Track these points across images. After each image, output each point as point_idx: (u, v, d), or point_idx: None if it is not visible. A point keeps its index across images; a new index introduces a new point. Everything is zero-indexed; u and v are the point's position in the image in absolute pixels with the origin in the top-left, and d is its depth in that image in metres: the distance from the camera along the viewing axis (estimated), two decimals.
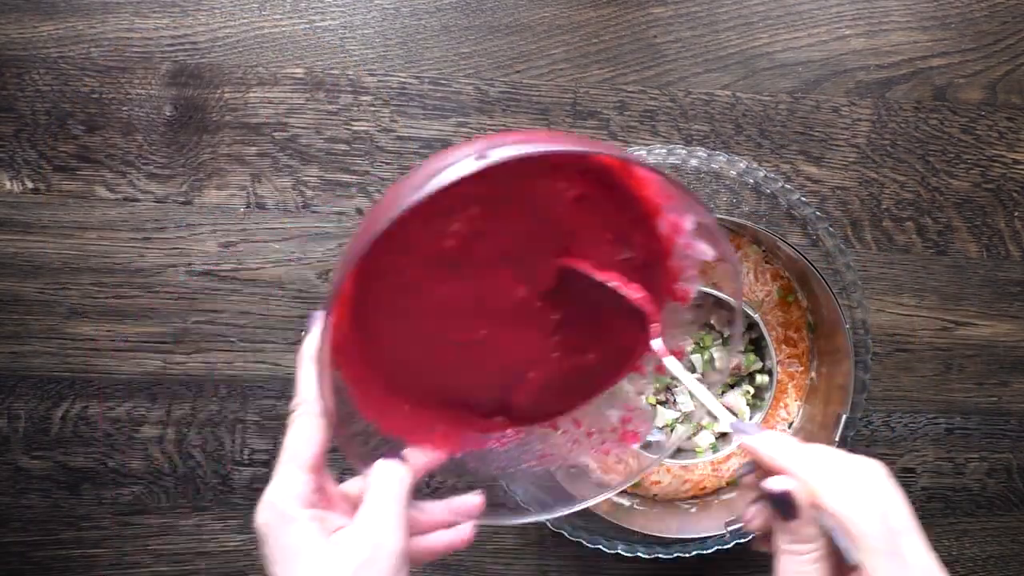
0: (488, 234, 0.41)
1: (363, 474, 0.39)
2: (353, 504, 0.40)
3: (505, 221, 0.41)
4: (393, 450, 0.39)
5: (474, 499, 0.42)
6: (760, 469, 0.39)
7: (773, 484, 0.37)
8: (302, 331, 0.64)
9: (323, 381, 0.37)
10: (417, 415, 0.43)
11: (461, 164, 0.34)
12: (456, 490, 0.42)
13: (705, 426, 0.63)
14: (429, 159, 0.37)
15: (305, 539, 0.35)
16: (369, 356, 0.42)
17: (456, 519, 0.42)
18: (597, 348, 0.45)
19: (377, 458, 0.39)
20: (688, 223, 0.42)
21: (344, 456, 0.39)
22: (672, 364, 0.42)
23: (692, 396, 0.43)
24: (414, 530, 0.39)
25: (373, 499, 0.37)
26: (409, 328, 0.42)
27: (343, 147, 0.65)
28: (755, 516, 0.39)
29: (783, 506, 0.36)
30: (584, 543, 0.59)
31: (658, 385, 0.63)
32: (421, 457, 0.41)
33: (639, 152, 0.62)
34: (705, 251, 0.42)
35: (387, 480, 0.38)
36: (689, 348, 0.63)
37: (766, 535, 0.39)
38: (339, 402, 0.38)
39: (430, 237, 0.40)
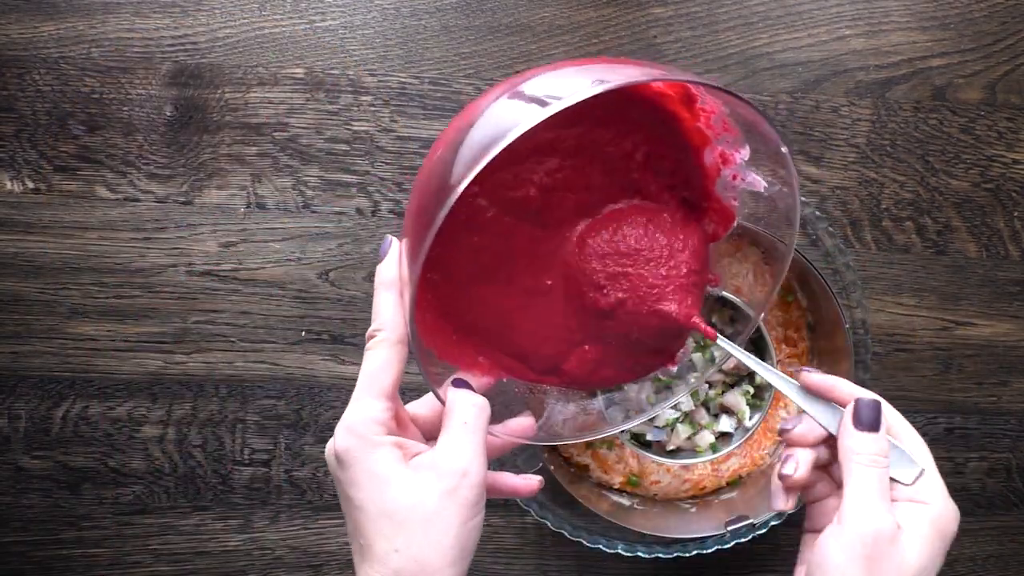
0: (567, 187, 0.42)
1: (436, 396, 0.40)
2: (421, 428, 0.42)
3: (580, 173, 0.42)
4: (458, 378, 0.40)
5: (526, 420, 0.43)
6: (806, 423, 0.42)
7: (865, 394, 0.40)
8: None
9: (404, 307, 0.37)
10: (468, 346, 0.44)
11: (575, 88, 0.33)
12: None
13: (705, 426, 0.64)
14: (494, 93, 0.37)
15: (391, 465, 0.36)
16: (427, 286, 0.42)
17: (512, 440, 0.43)
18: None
19: (441, 382, 0.40)
20: (742, 155, 0.42)
21: (424, 380, 0.40)
22: (727, 345, 0.44)
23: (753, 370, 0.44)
24: None
25: (455, 428, 0.38)
26: (477, 266, 0.42)
27: (343, 147, 0.65)
28: (803, 463, 0.41)
29: (870, 417, 0.39)
30: (584, 543, 0.59)
31: (658, 384, 0.63)
32: (474, 381, 0.41)
33: None
34: (756, 182, 0.43)
35: (468, 410, 0.38)
36: (690, 347, 0.63)
37: (792, 488, 0.42)
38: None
39: (510, 184, 0.41)
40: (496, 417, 0.42)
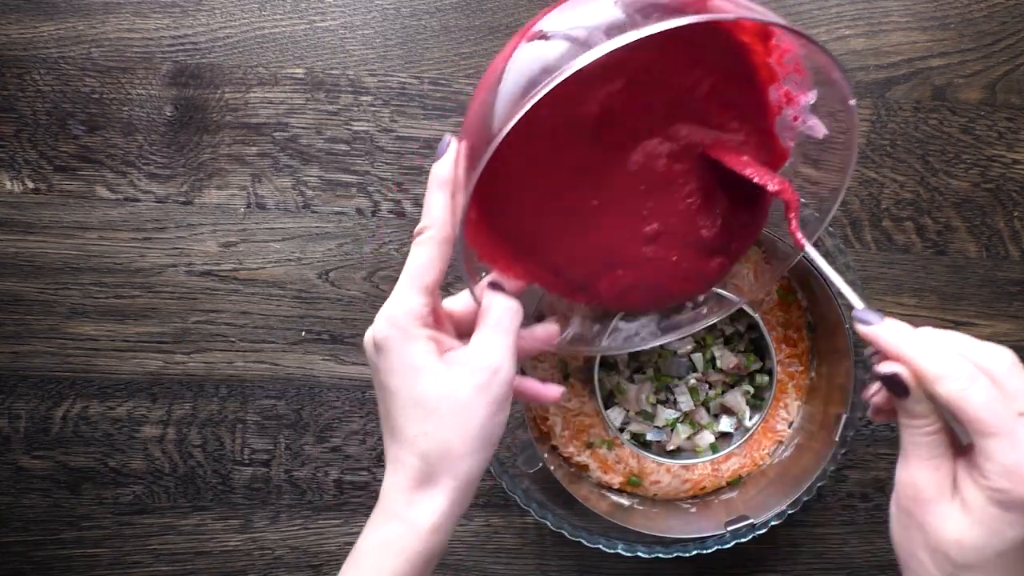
0: (627, 110, 0.42)
1: (472, 295, 0.41)
2: (455, 324, 0.43)
3: (643, 98, 0.42)
4: (493, 281, 0.41)
5: (552, 327, 0.45)
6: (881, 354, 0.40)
7: (883, 368, 0.38)
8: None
9: (453, 207, 0.38)
10: (507, 250, 0.44)
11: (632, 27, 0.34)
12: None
13: (705, 426, 0.64)
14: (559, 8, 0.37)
15: (426, 357, 0.38)
16: (474, 189, 0.42)
17: (536, 345, 0.44)
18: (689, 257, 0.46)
19: (479, 280, 0.41)
20: (808, 98, 0.43)
21: (464, 278, 0.41)
22: (813, 253, 0.43)
23: (826, 281, 0.44)
24: None
25: (490, 328, 0.39)
26: (527, 177, 0.43)
27: (343, 147, 0.65)
28: (877, 392, 0.41)
29: (895, 387, 0.38)
30: (584, 543, 0.59)
31: (658, 384, 0.63)
32: (507, 284, 0.42)
33: None
34: (817, 127, 0.44)
35: (503, 311, 0.40)
36: (690, 347, 0.63)
37: (884, 410, 0.41)
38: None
39: (575, 99, 0.41)
40: (524, 321, 0.43)
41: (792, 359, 0.64)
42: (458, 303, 0.43)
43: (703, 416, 0.64)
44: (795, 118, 0.44)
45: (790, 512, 0.60)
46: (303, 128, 0.65)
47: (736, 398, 0.63)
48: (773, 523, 0.59)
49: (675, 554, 0.59)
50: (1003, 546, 0.35)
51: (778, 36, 0.42)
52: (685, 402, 0.63)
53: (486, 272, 0.42)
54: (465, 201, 0.37)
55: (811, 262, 0.43)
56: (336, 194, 0.65)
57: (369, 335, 0.40)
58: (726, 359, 0.62)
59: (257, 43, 0.65)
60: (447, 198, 0.39)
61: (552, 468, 0.60)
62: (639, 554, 0.59)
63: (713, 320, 0.51)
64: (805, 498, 0.60)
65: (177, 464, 0.64)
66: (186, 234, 0.64)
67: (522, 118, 0.37)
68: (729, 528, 0.59)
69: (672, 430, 0.63)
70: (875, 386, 0.40)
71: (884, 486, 0.67)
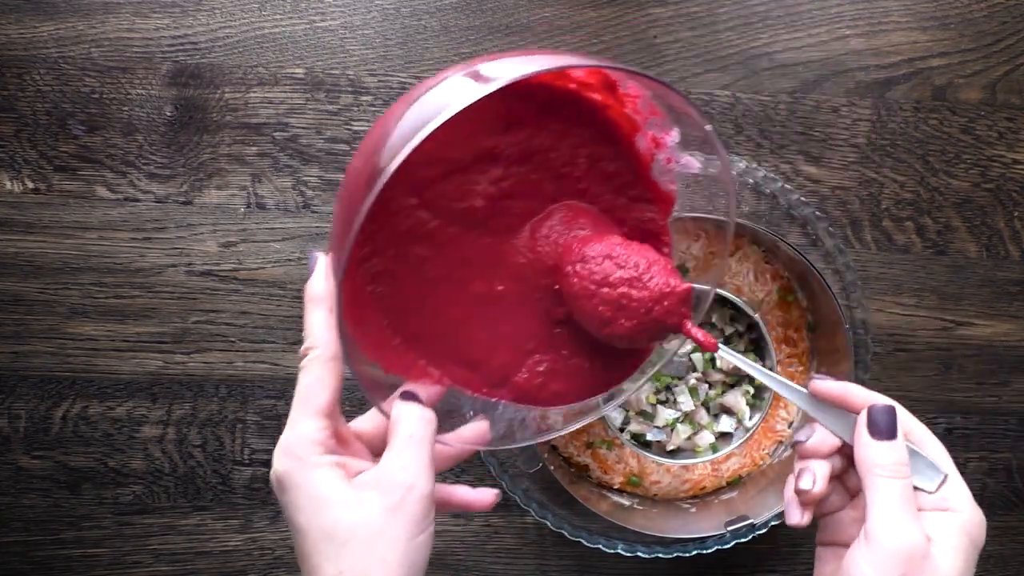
0: (514, 195, 0.42)
1: (379, 410, 0.39)
2: (367, 444, 0.40)
3: (527, 181, 0.42)
4: (406, 391, 0.39)
5: (481, 425, 0.42)
6: (819, 432, 0.40)
7: (879, 400, 0.38)
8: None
9: (334, 323, 0.37)
10: (417, 357, 0.43)
11: (462, 91, 0.33)
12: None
13: (705, 426, 0.64)
14: (417, 92, 0.36)
15: (331, 486, 0.35)
16: (371, 299, 0.41)
17: (467, 447, 0.42)
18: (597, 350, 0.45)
19: (387, 395, 0.39)
20: (673, 137, 0.42)
21: (364, 394, 0.38)
22: (727, 354, 0.43)
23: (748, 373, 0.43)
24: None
25: (400, 442, 0.37)
26: (425, 277, 0.42)
27: (343, 147, 0.65)
28: (820, 477, 0.40)
29: (886, 423, 0.38)
30: (584, 543, 0.59)
31: (658, 384, 0.63)
32: (422, 392, 0.40)
33: None
34: (691, 163, 0.43)
35: (413, 422, 0.37)
36: (690, 347, 0.63)
37: (809, 503, 0.40)
38: (347, 341, 0.38)
39: (455, 196, 0.41)
40: (450, 425, 0.41)
41: (792, 359, 0.64)
42: (367, 422, 0.41)
43: (703, 416, 0.64)
44: (668, 160, 0.43)
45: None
46: (303, 128, 0.65)
47: (736, 398, 0.63)
48: (773, 523, 0.59)
49: (675, 554, 0.59)
50: None
51: (623, 83, 0.41)
52: (685, 402, 0.63)
53: (398, 383, 0.41)
54: (337, 307, 0.35)
55: (730, 358, 0.43)
56: (336, 194, 0.65)
57: (272, 472, 0.37)
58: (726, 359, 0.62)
59: (257, 43, 0.65)
60: (326, 314, 0.37)
61: (552, 468, 0.60)
62: (639, 554, 0.59)
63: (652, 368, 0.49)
64: None
65: (177, 464, 0.64)
66: (186, 234, 0.64)
67: (402, 221, 0.38)
68: (729, 528, 0.59)
69: (672, 430, 0.63)
70: (812, 472, 0.40)
71: None
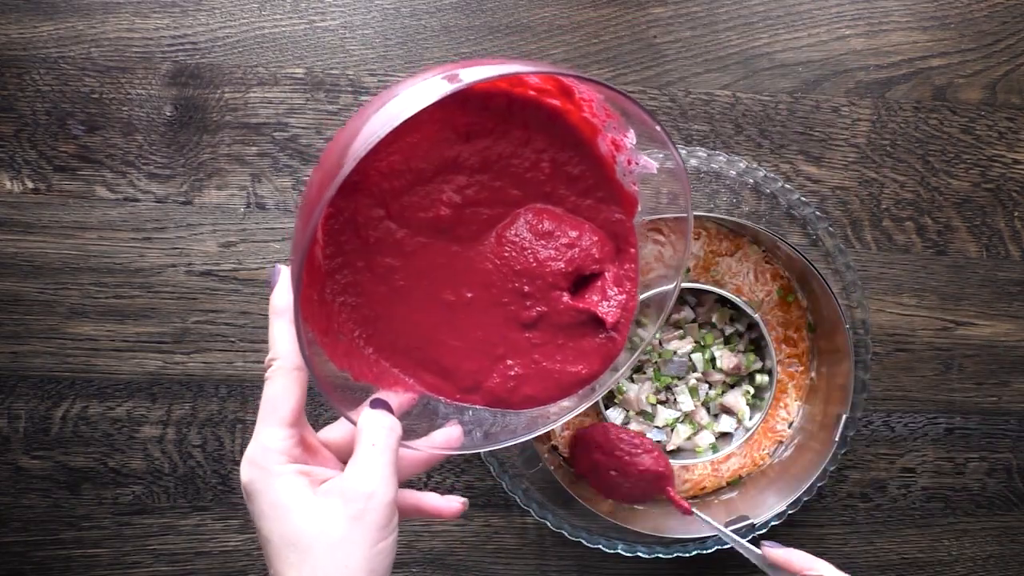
0: (479, 202, 0.42)
1: (346, 418, 0.39)
2: (335, 452, 0.41)
3: (491, 189, 0.42)
4: (377, 399, 0.39)
5: (453, 431, 0.42)
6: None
7: (817, 564, 0.46)
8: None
9: (297, 334, 0.37)
10: (387, 366, 0.43)
11: (426, 88, 0.34)
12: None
13: (705, 426, 0.64)
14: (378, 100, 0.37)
15: (294, 494, 0.36)
16: (341, 310, 0.42)
17: (438, 452, 0.42)
18: (569, 349, 0.45)
19: (358, 403, 0.39)
20: (630, 138, 0.42)
21: (328, 403, 0.39)
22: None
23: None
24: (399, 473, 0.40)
25: (364, 450, 0.37)
26: (394, 286, 0.42)
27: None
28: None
29: None
30: (584, 543, 0.59)
31: (658, 384, 0.63)
32: (394, 399, 0.41)
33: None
34: (649, 164, 0.43)
35: (377, 430, 0.38)
36: (690, 347, 0.63)
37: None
38: (313, 352, 0.38)
39: (420, 206, 0.41)
40: (423, 430, 0.41)
41: (792, 359, 0.64)
42: (337, 430, 0.42)
43: (703, 416, 0.63)
44: (628, 161, 0.44)
45: (790, 512, 0.60)
46: (303, 128, 0.65)
47: (736, 398, 0.63)
48: (773, 523, 0.59)
49: (675, 554, 0.59)
50: None
51: (578, 88, 0.41)
52: (685, 402, 0.63)
53: (369, 392, 0.41)
54: (295, 311, 0.35)
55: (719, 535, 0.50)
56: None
57: (241, 482, 0.37)
58: (726, 359, 0.62)
59: (257, 43, 0.64)
60: (288, 325, 0.38)
61: (552, 468, 0.60)
62: (639, 554, 0.59)
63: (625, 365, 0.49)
64: (805, 498, 0.60)
65: (177, 464, 0.64)
66: (186, 234, 0.64)
67: (369, 233, 0.38)
68: (729, 528, 0.59)
69: (672, 430, 0.63)
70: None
71: (884, 486, 0.67)
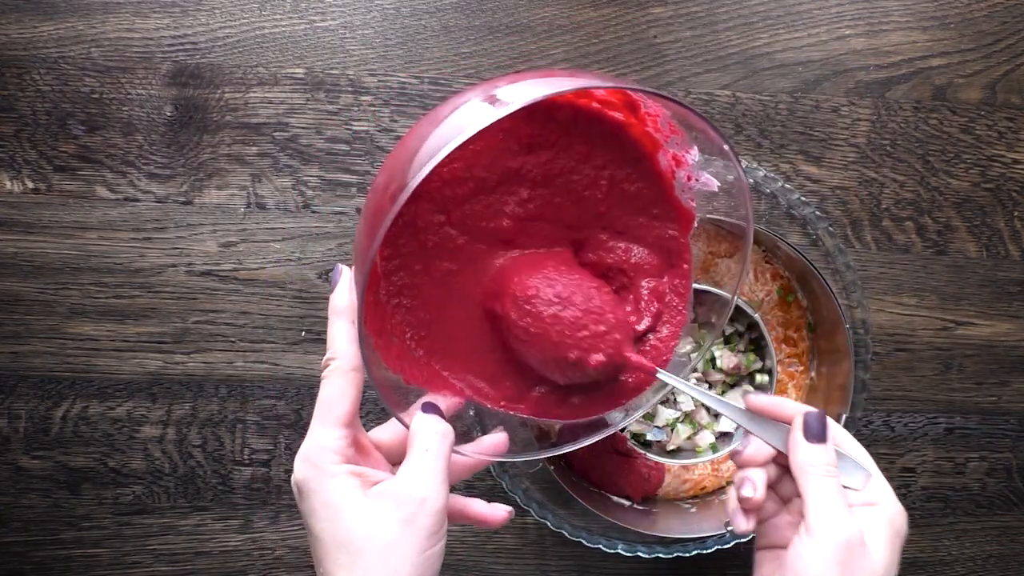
0: (540, 216, 0.42)
1: (400, 421, 0.39)
2: (384, 454, 0.41)
3: (550, 204, 0.42)
4: (428, 403, 0.40)
5: (499, 436, 0.43)
6: (754, 443, 0.43)
7: (809, 409, 0.41)
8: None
9: (359, 335, 0.37)
10: (436, 370, 0.43)
11: (477, 113, 0.34)
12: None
13: (705, 426, 0.64)
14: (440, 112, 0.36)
15: (347, 495, 0.36)
16: (396, 312, 0.42)
17: (486, 458, 0.42)
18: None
19: (408, 406, 0.39)
20: (692, 155, 0.43)
21: (384, 405, 0.39)
22: (665, 376, 0.43)
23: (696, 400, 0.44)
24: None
25: (417, 455, 0.37)
26: (449, 290, 0.42)
27: (343, 147, 0.65)
28: (759, 484, 0.41)
29: (818, 428, 0.40)
30: (584, 543, 0.59)
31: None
32: (443, 403, 0.41)
33: None
34: (710, 181, 0.43)
35: (430, 436, 0.38)
36: (689, 347, 0.63)
37: (752, 509, 0.42)
38: (369, 352, 0.38)
39: (485, 212, 0.41)
40: (468, 435, 0.41)
41: (792, 359, 0.64)
42: (386, 432, 0.42)
43: (703, 416, 0.64)
44: (688, 178, 0.44)
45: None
46: (303, 128, 0.65)
47: (736, 398, 0.63)
48: None
49: (675, 554, 0.59)
50: None
51: (644, 103, 0.42)
52: (685, 402, 0.63)
53: (419, 395, 0.41)
54: (359, 317, 0.35)
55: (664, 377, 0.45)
56: (336, 194, 0.65)
57: (293, 478, 0.38)
58: (726, 359, 0.62)
59: (257, 43, 0.65)
60: (348, 325, 0.38)
61: (552, 468, 0.60)
62: (639, 554, 0.59)
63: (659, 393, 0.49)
64: None
65: (177, 464, 0.64)
66: (186, 234, 0.64)
67: (429, 237, 0.39)
68: (729, 528, 0.59)
69: (672, 430, 0.63)
70: (751, 480, 0.41)
71: None
